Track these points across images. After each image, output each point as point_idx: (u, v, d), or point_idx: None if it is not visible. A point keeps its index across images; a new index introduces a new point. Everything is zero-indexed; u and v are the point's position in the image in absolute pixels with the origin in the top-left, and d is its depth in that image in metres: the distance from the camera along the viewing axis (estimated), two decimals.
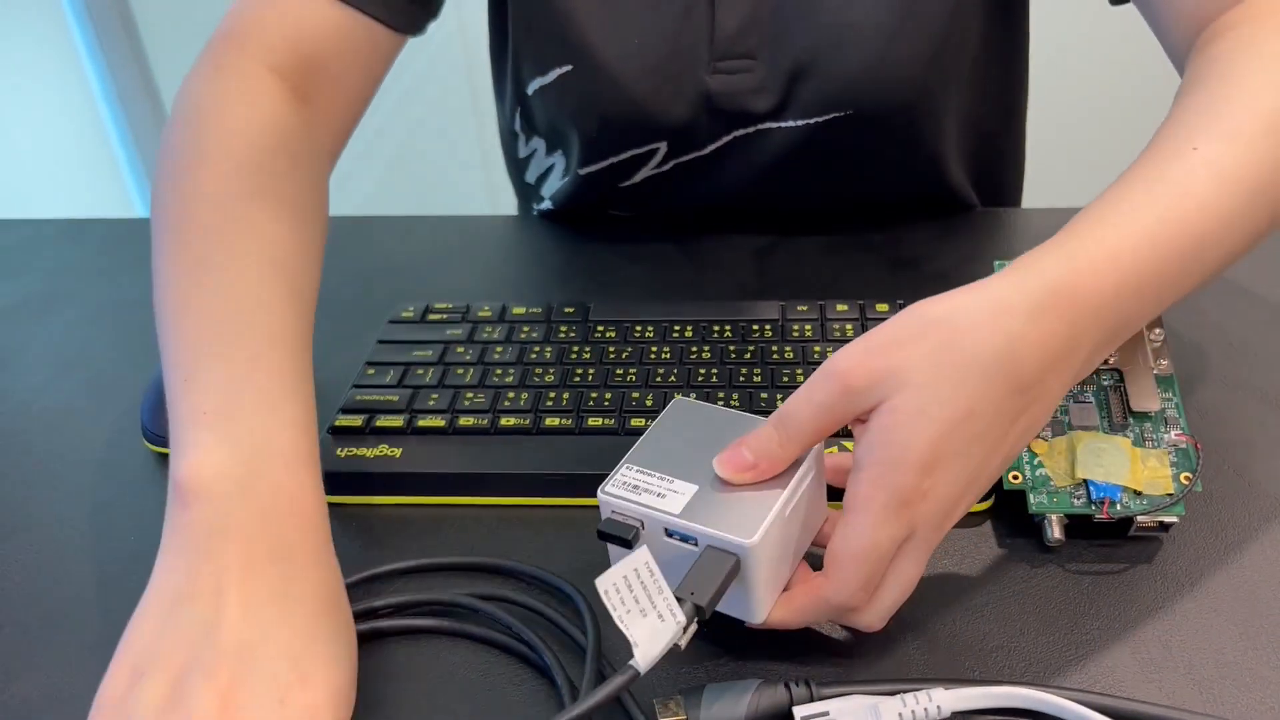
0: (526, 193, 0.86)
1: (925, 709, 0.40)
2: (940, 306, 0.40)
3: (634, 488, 0.42)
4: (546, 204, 0.83)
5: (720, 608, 0.41)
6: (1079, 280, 0.40)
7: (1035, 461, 0.49)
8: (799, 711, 0.40)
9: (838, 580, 0.40)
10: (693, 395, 0.56)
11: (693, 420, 0.44)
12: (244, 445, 0.44)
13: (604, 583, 0.38)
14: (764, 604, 0.41)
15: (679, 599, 0.38)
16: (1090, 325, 0.41)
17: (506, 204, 0.93)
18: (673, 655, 0.38)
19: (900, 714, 0.40)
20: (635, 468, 0.42)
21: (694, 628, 0.38)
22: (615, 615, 0.37)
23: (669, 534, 0.41)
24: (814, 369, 0.56)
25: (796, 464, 0.41)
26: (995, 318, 0.39)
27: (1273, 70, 0.47)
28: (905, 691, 0.40)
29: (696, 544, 0.40)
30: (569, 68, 0.69)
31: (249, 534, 0.42)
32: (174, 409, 0.45)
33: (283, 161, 0.54)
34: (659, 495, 0.41)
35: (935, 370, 0.39)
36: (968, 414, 0.38)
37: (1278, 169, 0.44)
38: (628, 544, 0.41)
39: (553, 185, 0.81)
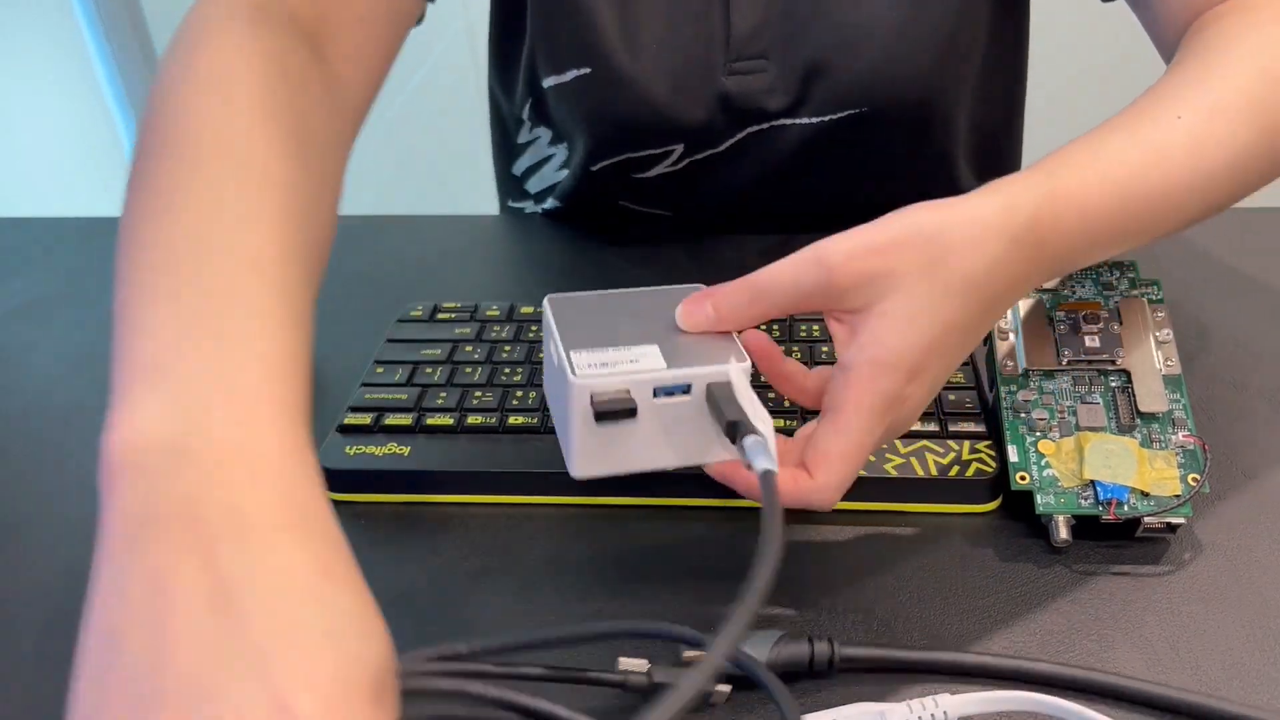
0: (510, 186, 0.86)
1: (932, 714, 0.40)
2: (932, 217, 0.41)
3: (602, 364, 0.41)
4: (537, 206, 0.83)
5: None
6: (1053, 221, 0.42)
7: (1043, 462, 0.49)
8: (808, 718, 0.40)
9: (823, 479, 0.41)
10: None
11: (585, 305, 0.45)
12: (183, 398, 0.32)
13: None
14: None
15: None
16: (1049, 261, 0.44)
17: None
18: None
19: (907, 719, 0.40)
20: (583, 351, 0.42)
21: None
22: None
23: (656, 393, 0.41)
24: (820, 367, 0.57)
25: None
26: (982, 239, 0.41)
27: (1261, 55, 0.48)
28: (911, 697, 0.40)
29: (689, 391, 0.41)
30: (587, 70, 0.69)
31: (186, 519, 0.30)
32: (113, 368, 0.35)
33: (300, 100, 0.45)
34: (631, 362, 0.41)
35: (927, 282, 0.40)
36: (949, 326, 0.41)
37: (1251, 151, 0.47)
38: (630, 414, 0.41)
39: (546, 178, 0.81)
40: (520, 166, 0.84)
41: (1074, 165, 0.44)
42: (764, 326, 0.61)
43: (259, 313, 0.35)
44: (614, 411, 0.40)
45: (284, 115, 0.43)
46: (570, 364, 0.41)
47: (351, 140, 0.54)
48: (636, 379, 0.41)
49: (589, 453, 0.42)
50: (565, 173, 0.79)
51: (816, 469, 0.42)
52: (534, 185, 0.82)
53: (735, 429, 0.39)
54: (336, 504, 0.54)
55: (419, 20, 0.63)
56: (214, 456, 0.31)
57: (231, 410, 0.32)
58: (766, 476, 0.37)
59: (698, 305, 0.43)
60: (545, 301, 0.45)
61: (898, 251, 0.40)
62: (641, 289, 0.45)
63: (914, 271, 0.40)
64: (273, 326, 0.35)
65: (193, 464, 0.31)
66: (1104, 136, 0.46)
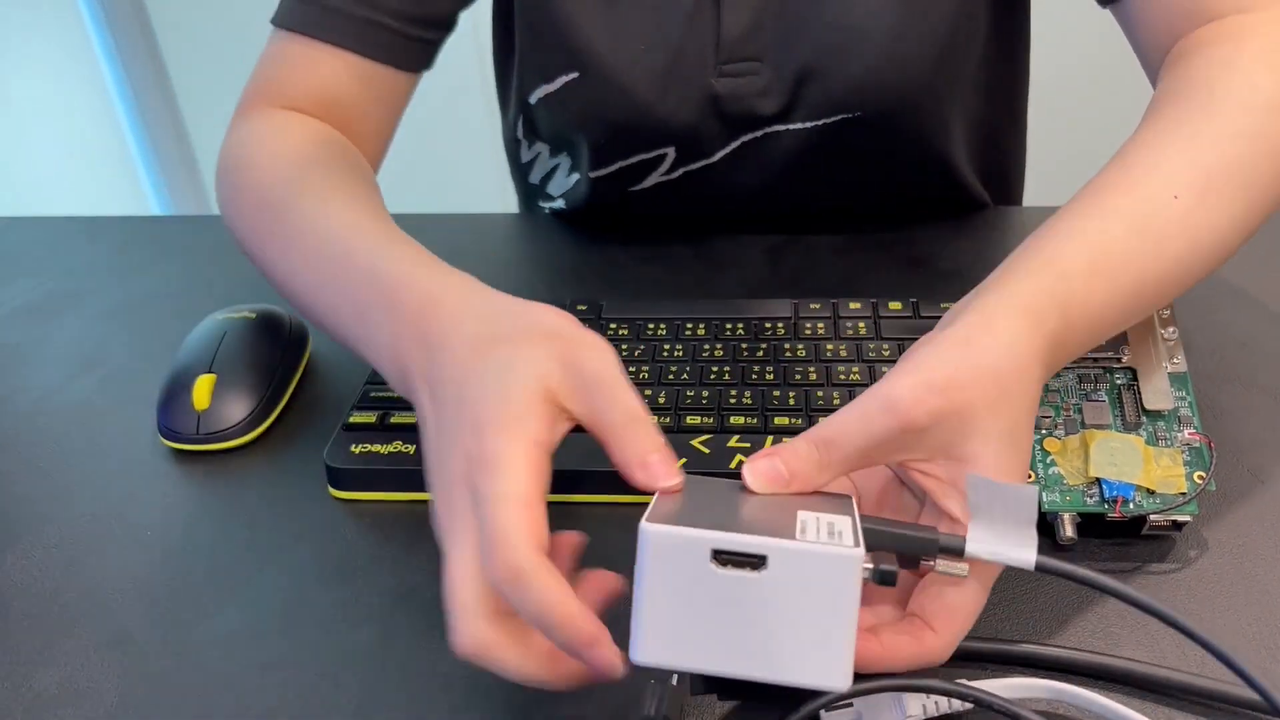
0: (531, 192, 0.87)
1: (935, 703, 0.40)
2: (986, 354, 0.39)
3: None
4: (559, 203, 0.83)
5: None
6: (1067, 333, 0.42)
7: (1048, 460, 0.49)
8: (826, 715, 0.40)
9: (948, 636, 0.38)
10: (705, 393, 0.56)
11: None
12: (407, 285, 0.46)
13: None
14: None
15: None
16: (1059, 363, 0.43)
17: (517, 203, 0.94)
18: None
19: (924, 704, 0.40)
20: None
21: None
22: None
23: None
24: (825, 367, 0.57)
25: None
26: (1028, 368, 0.40)
27: (1248, 113, 0.47)
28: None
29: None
30: (575, 75, 0.69)
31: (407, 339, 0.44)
32: (361, 337, 0.48)
33: (332, 150, 0.60)
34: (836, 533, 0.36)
35: (998, 420, 0.39)
36: (1022, 453, 0.40)
37: (1239, 224, 0.46)
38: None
39: (560, 184, 0.81)
40: (535, 177, 0.84)
41: (1081, 272, 0.43)
42: (777, 325, 0.61)
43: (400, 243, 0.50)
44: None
45: (335, 163, 0.58)
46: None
47: (374, 167, 0.67)
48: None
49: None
50: (576, 176, 0.79)
51: (942, 624, 0.38)
52: (555, 189, 0.83)
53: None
54: (341, 502, 0.54)
55: (427, 67, 0.69)
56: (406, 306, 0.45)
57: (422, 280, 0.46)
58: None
59: (769, 464, 0.39)
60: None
61: (961, 392, 0.38)
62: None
63: (983, 411, 0.38)
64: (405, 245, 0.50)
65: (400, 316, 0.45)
66: (1104, 226, 0.44)
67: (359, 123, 0.65)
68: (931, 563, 0.37)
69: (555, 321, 0.41)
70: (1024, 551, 0.37)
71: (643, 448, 0.38)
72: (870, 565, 0.35)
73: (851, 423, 0.38)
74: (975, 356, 0.39)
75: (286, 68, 0.64)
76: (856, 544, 0.34)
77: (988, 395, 0.38)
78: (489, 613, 0.36)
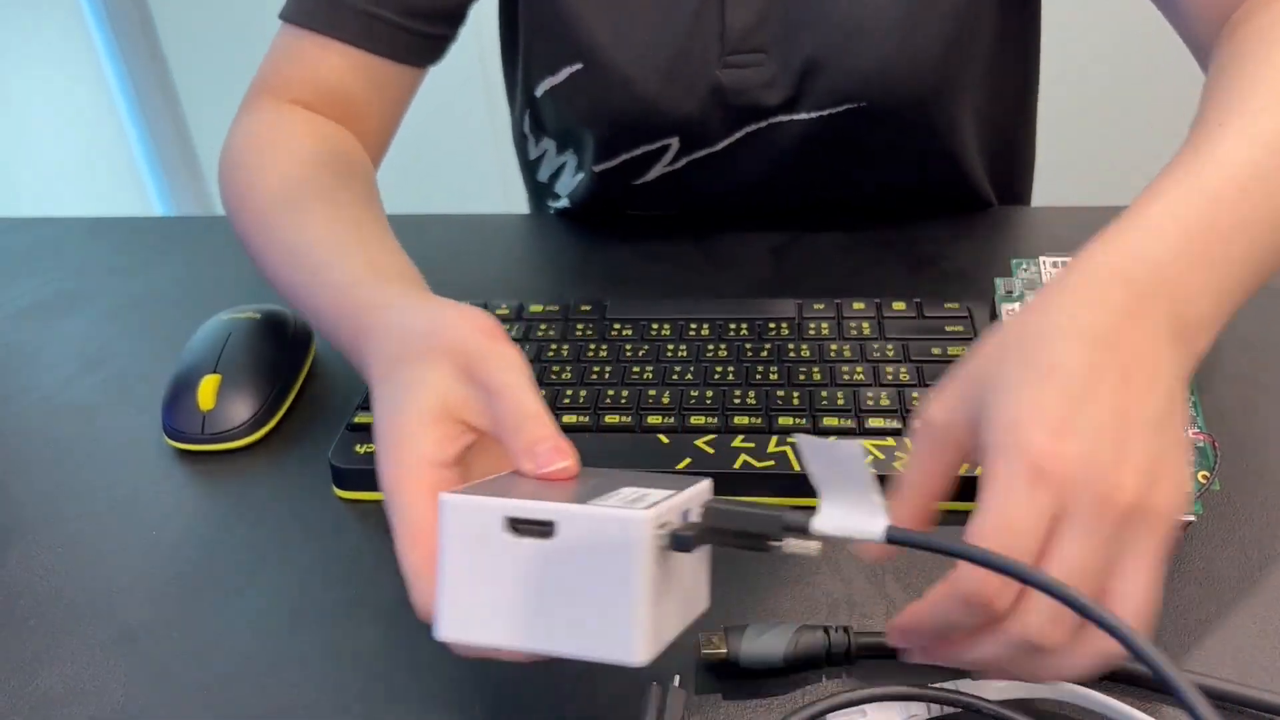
0: (539, 191, 0.87)
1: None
2: (1010, 321, 0.38)
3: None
4: (564, 202, 0.83)
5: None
6: (1153, 244, 0.39)
7: None
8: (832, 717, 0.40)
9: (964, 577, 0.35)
10: (709, 393, 0.56)
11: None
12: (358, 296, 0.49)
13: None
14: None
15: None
16: (1160, 275, 0.38)
17: (521, 202, 0.94)
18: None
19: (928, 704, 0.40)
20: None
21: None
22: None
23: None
24: (829, 367, 0.57)
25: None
26: (1068, 287, 0.38)
27: None
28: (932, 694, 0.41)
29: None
30: (579, 66, 0.69)
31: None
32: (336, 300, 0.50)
33: (345, 173, 0.60)
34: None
35: (1003, 361, 0.36)
36: (1050, 370, 0.35)
37: None
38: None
39: (567, 183, 0.82)
40: (544, 175, 0.84)
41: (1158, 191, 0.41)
42: (781, 325, 0.61)
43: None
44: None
45: (336, 188, 0.59)
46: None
47: (377, 159, 0.69)
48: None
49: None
50: (582, 174, 0.79)
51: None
52: (562, 189, 0.83)
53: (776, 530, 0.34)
54: (345, 502, 0.54)
55: (435, 61, 0.69)
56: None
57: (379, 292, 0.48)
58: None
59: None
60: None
61: (975, 354, 0.37)
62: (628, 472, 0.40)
63: (996, 358, 0.36)
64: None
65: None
66: (1196, 220, 0.40)
67: (363, 117, 0.66)
68: (778, 544, 0.34)
69: (462, 336, 0.41)
70: (871, 522, 0.34)
71: (531, 438, 0.38)
72: (664, 531, 0.33)
73: (910, 455, 0.38)
74: (995, 329, 0.38)
75: (292, 62, 0.65)
76: (649, 509, 0.33)
77: (986, 356, 0.37)
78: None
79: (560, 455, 0.38)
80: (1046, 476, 0.33)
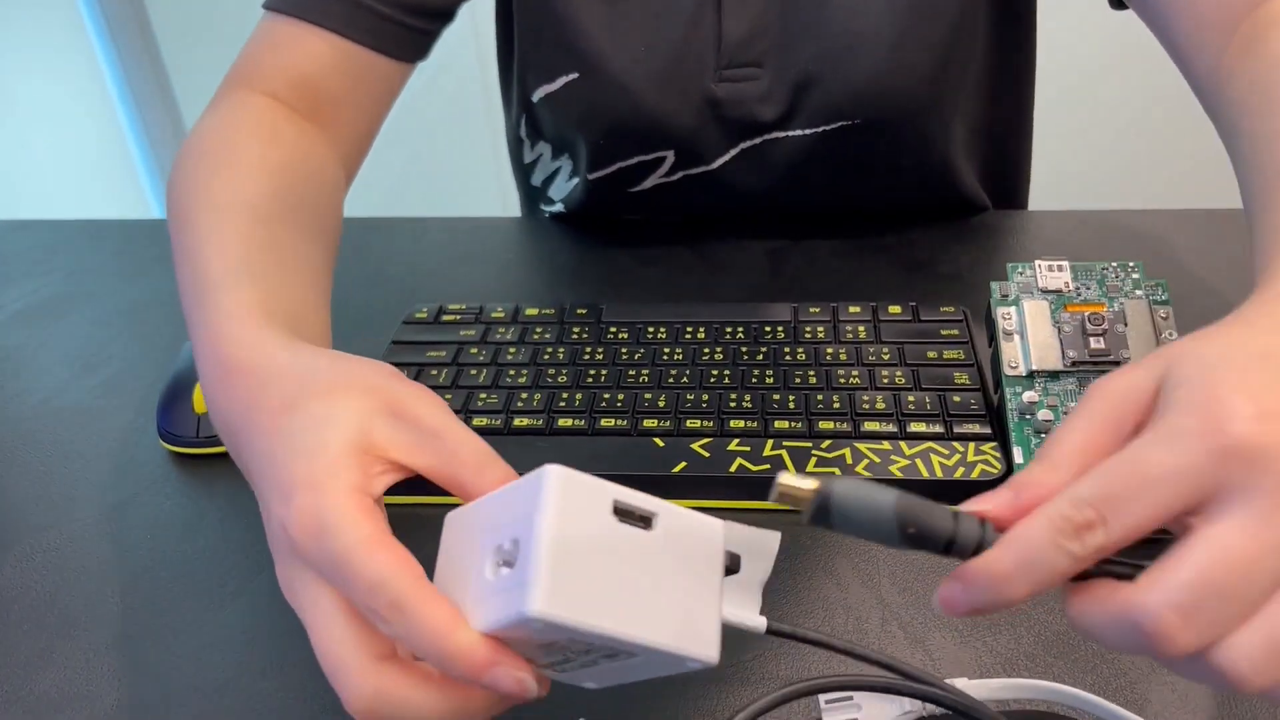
0: (533, 195, 0.87)
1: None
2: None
3: None
4: (558, 207, 0.83)
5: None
6: None
7: None
8: (824, 697, 0.41)
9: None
10: (705, 396, 0.56)
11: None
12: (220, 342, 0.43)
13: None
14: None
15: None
16: None
17: (518, 206, 0.94)
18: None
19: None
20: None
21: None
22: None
23: None
24: (825, 371, 0.57)
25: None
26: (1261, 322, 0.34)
27: None
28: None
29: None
30: (575, 75, 0.69)
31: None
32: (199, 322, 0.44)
33: (288, 199, 0.53)
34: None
35: (1202, 345, 0.32)
36: (1263, 356, 0.30)
37: None
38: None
39: (561, 188, 0.82)
40: (537, 179, 0.84)
41: None
42: (777, 328, 0.61)
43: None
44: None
45: (287, 228, 0.52)
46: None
47: (348, 180, 0.63)
48: None
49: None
50: (576, 181, 0.79)
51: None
52: (556, 193, 0.83)
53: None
54: None
55: (421, 58, 0.67)
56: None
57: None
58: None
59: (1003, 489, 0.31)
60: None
61: (1168, 347, 0.33)
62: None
63: (1194, 344, 0.32)
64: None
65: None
66: None
67: (339, 110, 0.62)
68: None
69: (374, 376, 0.38)
70: (756, 616, 0.35)
71: (499, 476, 0.36)
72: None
73: (1067, 421, 0.32)
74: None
75: (270, 49, 0.62)
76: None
77: (1182, 344, 0.32)
78: (371, 661, 0.33)
79: None
80: (1225, 440, 0.27)
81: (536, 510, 0.31)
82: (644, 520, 0.33)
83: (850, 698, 0.41)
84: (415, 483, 0.54)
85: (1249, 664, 0.26)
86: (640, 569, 0.32)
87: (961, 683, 0.41)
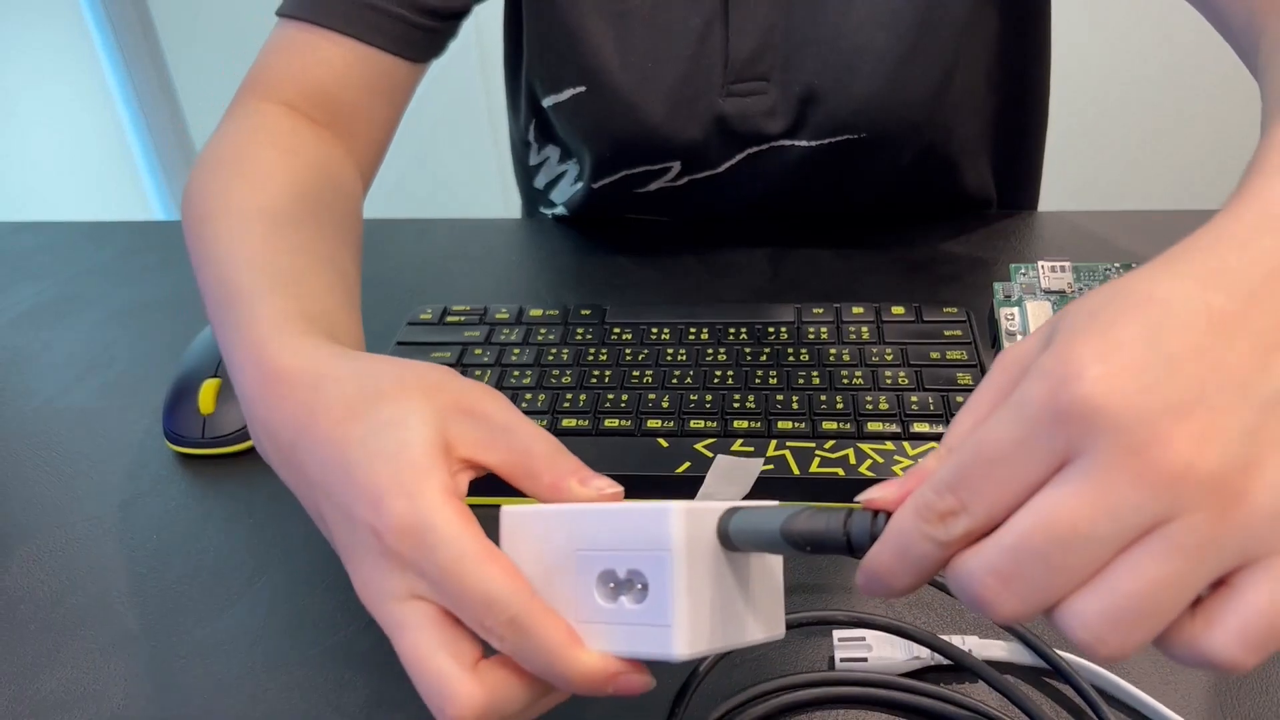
0: (534, 197, 0.87)
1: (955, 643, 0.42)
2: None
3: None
4: (559, 209, 0.83)
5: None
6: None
7: None
8: (838, 633, 0.42)
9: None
10: (708, 397, 0.56)
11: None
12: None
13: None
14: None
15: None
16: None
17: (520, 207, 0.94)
18: None
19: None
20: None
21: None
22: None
23: None
24: (828, 371, 0.57)
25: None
26: (1195, 257, 0.28)
27: None
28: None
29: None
30: (582, 89, 0.69)
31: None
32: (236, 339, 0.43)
33: (309, 204, 0.53)
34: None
35: (1094, 294, 0.28)
36: (1145, 299, 0.26)
37: None
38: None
39: (564, 191, 0.82)
40: (540, 182, 0.84)
41: None
42: (780, 329, 0.61)
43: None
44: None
45: (306, 233, 0.51)
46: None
47: (365, 187, 0.63)
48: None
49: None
50: (580, 185, 0.79)
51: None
52: (558, 197, 0.83)
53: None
54: None
55: (436, 56, 0.66)
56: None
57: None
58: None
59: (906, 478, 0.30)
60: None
61: (1064, 309, 0.29)
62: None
63: (1088, 296, 0.28)
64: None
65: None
66: None
67: (355, 117, 0.62)
68: None
69: (435, 375, 0.37)
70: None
71: (573, 465, 0.36)
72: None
73: (964, 407, 0.31)
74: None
75: (284, 56, 0.62)
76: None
77: (1106, 285, 0.28)
78: (471, 669, 0.32)
79: (612, 483, 0.36)
80: (1064, 404, 0.25)
81: (668, 551, 0.30)
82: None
83: (863, 638, 0.42)
84: None
85: (1087, 630, 0.25)
86: (736, 576, 0.33)
87: (974, 639, 0.42)
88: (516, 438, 0.35)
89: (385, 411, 0.35)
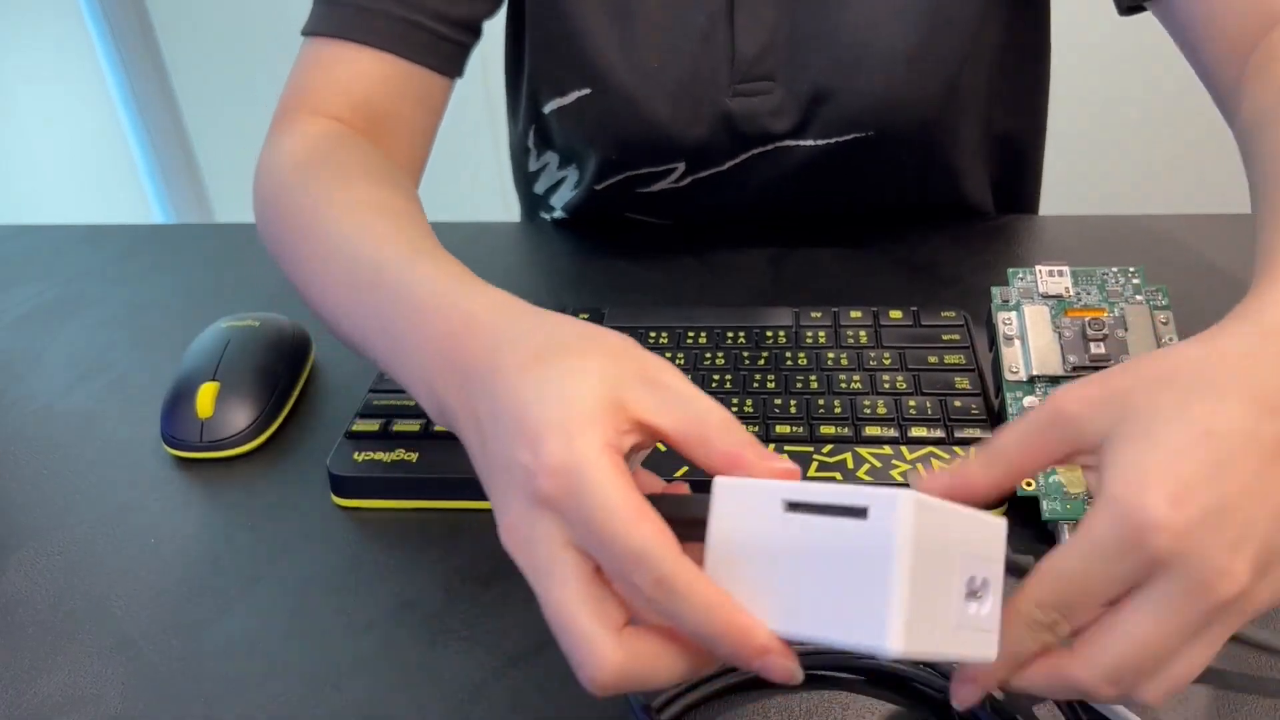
0: (533, 201, 0.87)
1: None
2: (1172, 348, 0.36)
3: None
4: (558, 214, 0.84)
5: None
6: None
7: (1049, 469, 0.49)
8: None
9: (1026, 590, 0.34)
10: None
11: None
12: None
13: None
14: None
15: None
16: None
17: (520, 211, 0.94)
18: None
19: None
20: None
21: None
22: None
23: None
24: (826, 375, 0.57)
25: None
26: (1229, 355, 0.35)
27: None
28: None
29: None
30: (588, 91, 0.70)
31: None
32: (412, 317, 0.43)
33: (400, 202, 0.53)
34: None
35: (1161, 391, 0.34)
36: (1205, 434, 0.32)
37: None
38: None
39: (563, 196, 0.82)
40: (540, 188, 0.84)
41: None
42: (778, 333, 0.61)
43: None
44: None
45: (362, 164, 0.55)
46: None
47: (417, 175, 0.65)
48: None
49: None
50: (580, 190, 0.79)
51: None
52: (557, 202, 0.83)
53: None
54: (344, 510, 0.54)
55: (460, 74, 0.67)
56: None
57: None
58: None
59: (933, 474, 0.36)
60: None
61: (1128, 373, 0.35)
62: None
63: (1139, 393, 0.34)
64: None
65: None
66: None
67: (398, 129, 0.63)
68: None
69: (620, 341, 0.38)
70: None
71: (749, 438, 0.35)
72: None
73: (1012, 424, 0.36)
74: (1159, 352, 0.36)
75: (322, 73, 0.62)
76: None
77: (1155, 370, 0.34)
78: (616, 631, 0.32)
79: (788, 461, 0.35)
80: (1146, 548, 0.31)
81: (892, 545, 0.29)
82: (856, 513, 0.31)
83: None
84: (421, 487, 0.54)
85: (1153, 699, 0.33)
86: (955, 584, 0.32)
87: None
88: (693, 405, 0.35)
89: (570, 362, 0.36)
